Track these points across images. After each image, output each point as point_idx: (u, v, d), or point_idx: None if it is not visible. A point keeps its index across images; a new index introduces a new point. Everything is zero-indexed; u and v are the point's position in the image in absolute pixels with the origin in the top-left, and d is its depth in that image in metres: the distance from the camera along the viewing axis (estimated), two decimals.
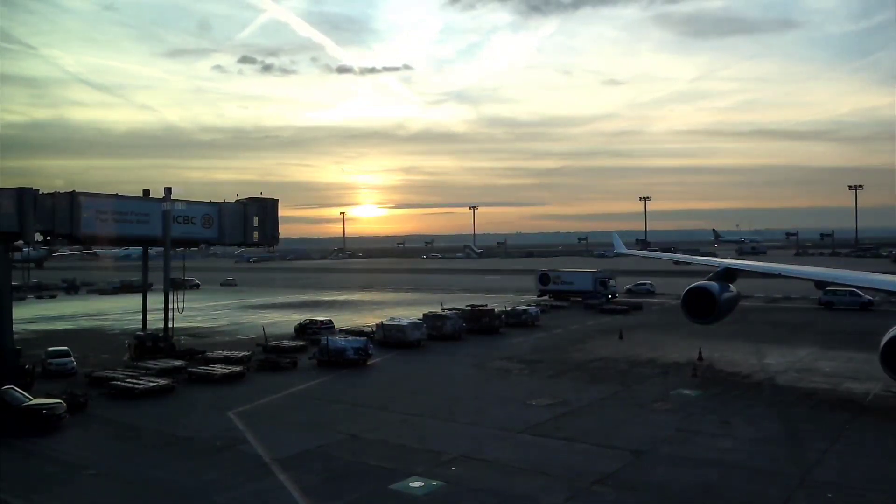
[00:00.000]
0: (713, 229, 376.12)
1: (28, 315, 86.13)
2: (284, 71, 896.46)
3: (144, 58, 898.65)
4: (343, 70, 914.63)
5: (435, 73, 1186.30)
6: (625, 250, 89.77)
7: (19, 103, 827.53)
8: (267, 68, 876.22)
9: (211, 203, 61.80)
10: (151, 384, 43.38)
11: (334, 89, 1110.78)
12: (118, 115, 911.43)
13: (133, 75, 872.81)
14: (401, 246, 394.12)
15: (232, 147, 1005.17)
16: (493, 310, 71.00)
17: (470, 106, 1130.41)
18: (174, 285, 59.53)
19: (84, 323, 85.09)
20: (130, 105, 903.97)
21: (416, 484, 26.23)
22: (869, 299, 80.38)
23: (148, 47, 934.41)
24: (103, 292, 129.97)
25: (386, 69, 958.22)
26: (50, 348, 52.07)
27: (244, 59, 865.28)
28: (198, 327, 75.38)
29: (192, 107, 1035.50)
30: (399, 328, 60.07)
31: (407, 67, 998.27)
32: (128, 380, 44.29)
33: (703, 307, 50.71)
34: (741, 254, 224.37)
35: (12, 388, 37.53)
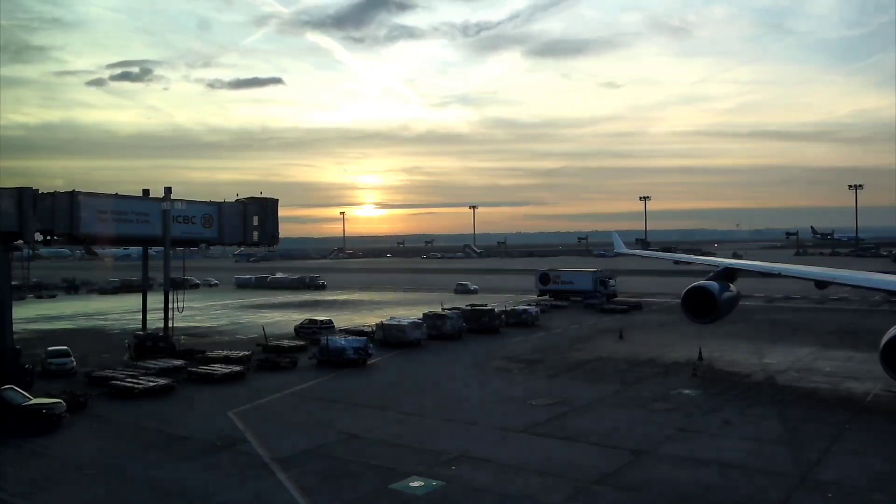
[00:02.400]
0: (811, 227, 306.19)
1: (28, 315, 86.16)
2: (167, 87, 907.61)
3: (152, 60, 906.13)
4: (215, 85, 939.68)
5: (440, 76, 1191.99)
6: (625, 250, 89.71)
7: (31, 105, 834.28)
8: (147, 78, 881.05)
9: (211, 203, 61.80)
10: (151, 384, 43.37)
11: (340, 92, 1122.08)
12: (126, 117, 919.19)
13: (141, 78, 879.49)
14: (400, 245, 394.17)
15: (237, 148, 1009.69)
16: (493, 309, 71.03)
17: (473, 108, 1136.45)
18: (174, 285, 59.55)
19: (84, 323, 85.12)
20: (138, 106, 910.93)
21: (416, 484, 26.23)
22: None
23: (155, 51, 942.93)
24: (103, 292, 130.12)
25: (258, 82, 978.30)
26: (50, 348, 52.10)
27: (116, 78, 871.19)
28: (198, 327, 75.40)
29: (199, 108, 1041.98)
30: (399, 328, 60.07)
31: (276, 81, 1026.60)
32: (128, 379, 44.29)
33: (703, 306, 50.75)
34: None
35: (12, 388, 37.55)
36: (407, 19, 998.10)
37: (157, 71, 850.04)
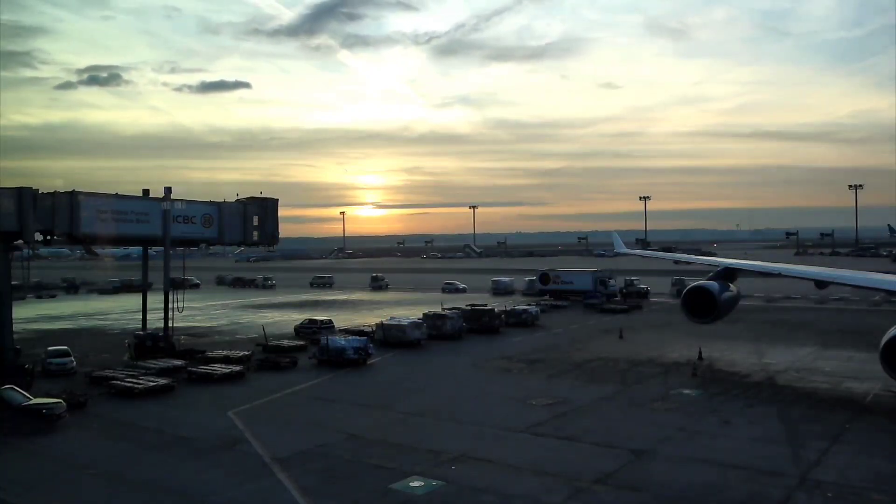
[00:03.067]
0: (888, 225, 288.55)
1: (28, 315, 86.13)
2: (131, 91, 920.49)
3: (155, 61, 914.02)
4: (180, 88, 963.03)
5: (442, 77, 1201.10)
6: (625, 250, 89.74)
7: (36, 106, 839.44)
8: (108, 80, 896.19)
9: (211, 202, 61.73)
10: (151, 384, 43.37)
11: (343, 93, 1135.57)
12: (130, 118, 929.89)
13: (145, 80, 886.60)
14: (400, 245, 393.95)
15: (238, 148, 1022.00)
16: (493, 309, 71.01)
17: (474, 109, 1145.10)
18: (174, 285, 59.50)
19: (84, 322, 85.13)
20: (142, 107, 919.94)
21: (416, 483, 26.22)
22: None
23: (158, 53, 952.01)
24: (103, 292, 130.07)
25: (225, 87, 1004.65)
26: (50, 348, 52.06)
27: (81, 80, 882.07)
28: (197, 327, 75.38)
29: (200, 108, 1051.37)
30: (399, 328, 60.04)
31: (244, 85, 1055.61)
32: (128, 379, 44.29)
33: (703, 306, 50.74)
34: None
35: (12, 388, 37.56)
36: (358, 29, 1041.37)
37: (127, 76, 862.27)
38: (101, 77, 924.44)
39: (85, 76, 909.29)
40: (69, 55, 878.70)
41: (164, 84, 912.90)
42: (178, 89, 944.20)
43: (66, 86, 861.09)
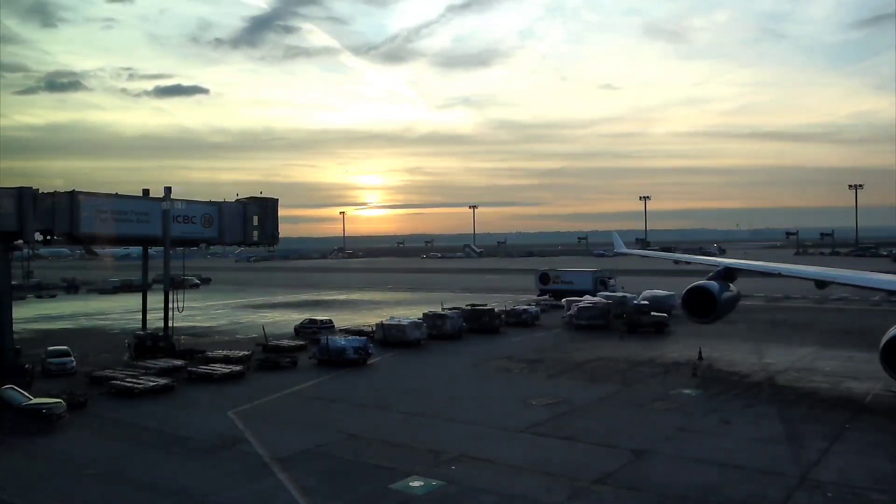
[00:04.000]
0: None
1: (28, 314, 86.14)
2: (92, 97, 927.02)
3: (158, 63, 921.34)
4: (141, 94, 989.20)
5: (443, 78, 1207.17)
6: (625, 250, 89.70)
7: (41, 107, 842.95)
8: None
9: (211, 202, 61.67)
10: (151, 384, 43.37)
11: (345, 93, 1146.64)
12: (133, 118, 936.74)
13: (148, 82, 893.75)
14: (400, 245, 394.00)
15: (240, 149, 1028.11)
16: (493, 309, 71.00)
17: (476, 109, 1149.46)
18: (174, 284, 59.50)
19: (84, 322, 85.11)
20: (145, 108, 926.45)
21: (416, 483, 26.22)
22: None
23: (157, 53, 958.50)
24: (103, 292, 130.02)
25: (181, 92, 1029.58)
26: (50, 348, 52.04)
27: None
28: (197, 326, 75.36)
29: (203, 109, 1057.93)
30: (399, 327, 60.02)
31: (200, 90, 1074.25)
32: (128, 379, 44.29)
33: (703, 306, 50.76)
34: None
35: (12, 388, 37.56)
36: (296, 40, 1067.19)
37: (86, 82, 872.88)
38: (61, 83, 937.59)
39: (42, 83, 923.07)
40: (26, 62, 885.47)
41: (123, 90, 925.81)
42: (137, 95, 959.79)
43: (29, 90, 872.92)
